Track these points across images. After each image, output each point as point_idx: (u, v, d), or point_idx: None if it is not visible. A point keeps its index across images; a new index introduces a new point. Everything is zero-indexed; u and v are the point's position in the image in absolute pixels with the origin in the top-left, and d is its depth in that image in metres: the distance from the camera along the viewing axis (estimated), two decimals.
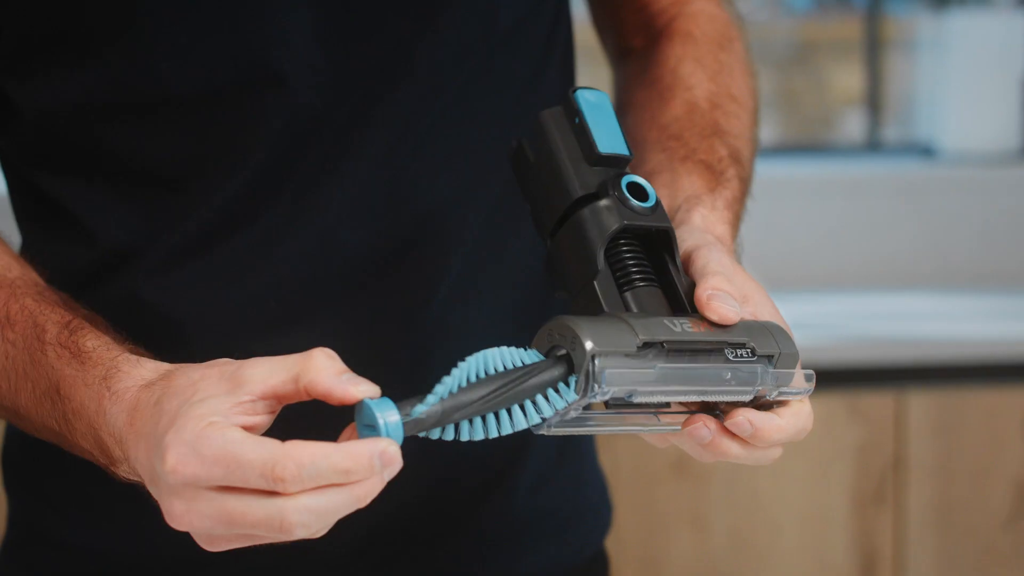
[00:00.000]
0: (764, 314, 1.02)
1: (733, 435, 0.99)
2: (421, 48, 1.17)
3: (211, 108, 1.13)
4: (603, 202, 0.99)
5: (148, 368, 0.97)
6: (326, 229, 1.16)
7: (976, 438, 2.51)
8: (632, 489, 2.46)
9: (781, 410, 0.99)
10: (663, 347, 0.94)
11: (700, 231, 1.08)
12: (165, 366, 0.97)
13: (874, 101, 3.26)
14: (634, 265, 0.99)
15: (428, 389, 1.21)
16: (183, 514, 0.90)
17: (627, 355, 0.93)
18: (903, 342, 2.55)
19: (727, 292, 0.98)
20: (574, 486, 1.34)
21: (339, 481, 0.89)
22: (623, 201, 0.99)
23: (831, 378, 2.50)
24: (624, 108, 1.31)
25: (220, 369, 0.93)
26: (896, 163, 3.17)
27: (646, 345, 0.94)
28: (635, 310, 0.98)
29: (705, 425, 0.99)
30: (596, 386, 0.92)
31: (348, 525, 1.20)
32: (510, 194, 1.21)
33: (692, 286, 1.00)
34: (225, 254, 1.16)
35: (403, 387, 1.19)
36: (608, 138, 1.01)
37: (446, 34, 1.17)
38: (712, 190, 1.14)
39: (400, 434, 0.91)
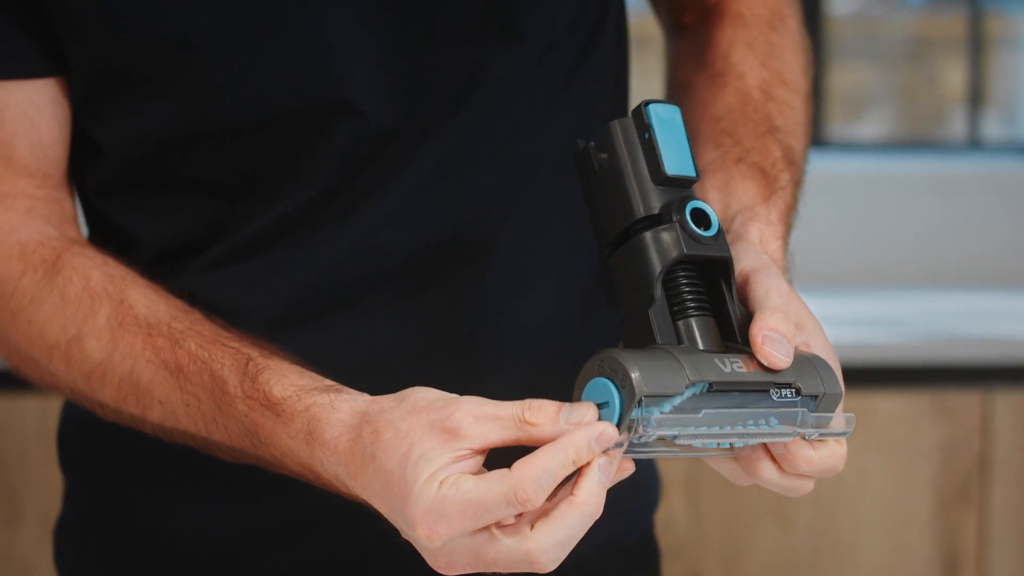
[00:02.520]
0: (816, 345, 1.01)
1: (768, 455, 1.00)
2: (491, 64, 1.18)
3: (277, 134, 1.15)
4: (665, 228, 0.98)
5: (344, 412, 1.00)
6: (370, 230, 1.17)
7: None
8: (715, 484, 2.46)
9: (817, 446, 0.99)
10: (711, 388, 0.95)
11: (756, 251, 1.07)
12: (360, 405, 1.00)
13: (976, 98, 3.23)
14: (690, 294, 0.98)
15: (469, 386, 1.23)
16: (447, 566, 0.96)
17: (674, 397, 0.93)
18: (992, 341, 2.52)
19: (782, 334, 0.97)
20: None
21: (570, 471, 0.93)
22: (685, 228, 0.98)
23: (918, 376, 2.48)
24: (674, 87, 1.30)
25: (428, 418, 0.96)
26: (996, 161, 3.13)
27: (694, 385, 0.94)
28: (686, 341, 0.98)
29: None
30: (640, 428, 0.93)
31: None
32: (556, 185, 1.22)
33: (746, 317, 1.00)
34: (276, 255, 1.18)
35: (447, 383, 1.22)
36: (676, 158, 1.00)
37: (514, 46, 1.18)
38: (766, 199, 1.14)
39: (618, 405, 0.93)
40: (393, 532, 1.22)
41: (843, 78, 3.37)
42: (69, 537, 1.32)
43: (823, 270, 2.93)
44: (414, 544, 0.96)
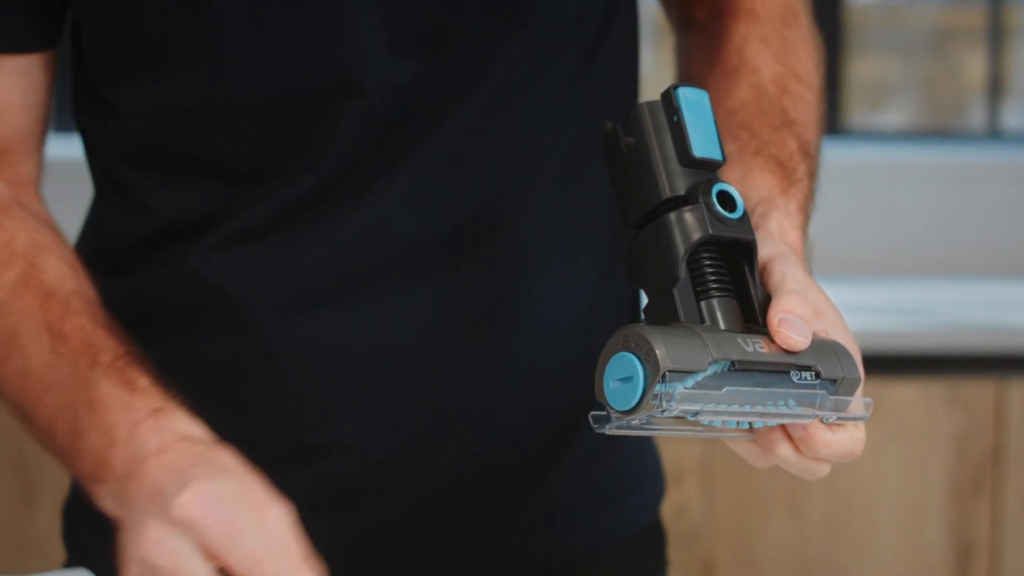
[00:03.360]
0: (835, 332, 1.02)
1: (786, 435, 1.01)
2: (501, 51, 1.19)
3: (287, 113, 1.16)
4: (691, 209, 0.99)
5: (198, 428, 1.04)
6: (382, 215, 1.18)
7: None
8: (729, 472, 2.46)
9: (836, 429, 1.01)
10: (732, 366, 0.96)
11: (775, 240, 1.08)
12: (209, 435, 1.03)
13: (996, 89, 3.22)
14: (713, 274, 1.00)
15: (480, 373, 1.22)
16: (154, 541, 0.97)
17: (697, 373, 0.94)
18: (1007, 330, 2.52)
19: (798, 316, 0.98)
20: (631, 456, 1.35)
21: None
22: (711, 209, 0.99)
23: (933, 365, 2.48)
24: (687, 83, 1.31)
25: (258, 512, 0.98)
26: (1015, 151, 3.13)
27: (716, 363, 0.95)
28: (709, 321, 0.99)
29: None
30: (663, 402, 0.93)
31: (400, 495, 1.23)
32: (568, 174, 1.23)
33: (767, 298, 1.01)
34: (285, 238, 1.19)
35: (459, 367, 1.22)
36: (704, 140, 1.01)
37: (524, 34, 1.19)
38: (785, 191, 1.15)
39: (643, 387, 0.94)
40: (409, 512, 1.23)
41: (866, 68, 3.37)
42: (76, 515, 1.34)
43: (841, 258, 2.93)
44: (149, 506, 0.99)
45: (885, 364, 2.47)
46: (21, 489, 2.43)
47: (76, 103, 1.25)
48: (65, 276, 1.14)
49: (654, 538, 1.39)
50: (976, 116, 3.35)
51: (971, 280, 2.91)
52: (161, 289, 1.22)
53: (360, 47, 1.15)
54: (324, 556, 1.25)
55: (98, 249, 1.27)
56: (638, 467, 1.36)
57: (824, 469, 1.03)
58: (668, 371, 0.92)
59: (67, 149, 2.89)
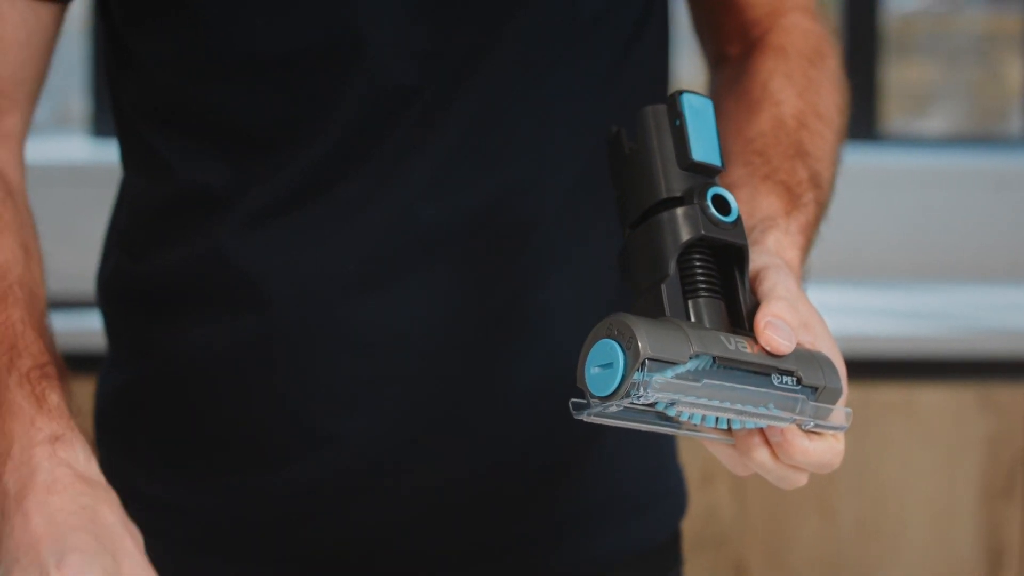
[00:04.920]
0: (822, 346, 1.03)
1: (765, 440, 1.02)
2: (510, 27, 1.20)
3: (297, 72, 1.18)
4: (686, 209, 1.01)
5: (93, 469, 1.05)
6: (405, 202, 1.20)
7: None
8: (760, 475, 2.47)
9: (814, 438, 1.01)
10: (713, 362, 0.97)
11: (771, 254, 1.10)
12: (98, 473, 1.05)
13: None
14: (702, 275, 1.01)
15: (494, 371, 1.23)
16: None
17: (677, 365, 0.95)
18: None
19: (786, 321, 1.00)
20: (652, 472, 1.36)
21: None
22: (705, 211, 1.01)
23: (963, 369, 2.48)
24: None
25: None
26: None
27: (697, 357, 0.96)
28: (694, 319, 1.00)
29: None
30: (640, 390, 0.94)
31: (406, 493, 1.24)
32: (590, 176, 1.24)
33: (756, 305, 1.02)
34: (307, 217, 1.21)
35: (471, 365, 1.24)
36: (704, 146, 1.03)
37: (535, 14, 1.21)
38: (788, 213, 1.16)
39: (622, 374, 0.95)
40: (414, 511, 1.25)
41: (910, 74, 3.37)
42: None
43: (877, 262, 2.92)
44: (29, 554, 1.00)
45: (917, 368, 2.47)
46: None
47: (105, 55, 1.27)
48: (16, 260, 1.14)
49: (671, 545, 1.39)
50: (1017, 122, 3.35)
51: (1006, 285, 2.90)
52: (184, 270, 1.24)
53: (369, 8, 1.17)
54: (328, 552, 1.27)
55: (123, 229, 1.29)
56: (658, 484, 1.37)
57: (801, 479, 1.03)
58: (648, 359, 0.94)
59: (98, 154, 2.93)
